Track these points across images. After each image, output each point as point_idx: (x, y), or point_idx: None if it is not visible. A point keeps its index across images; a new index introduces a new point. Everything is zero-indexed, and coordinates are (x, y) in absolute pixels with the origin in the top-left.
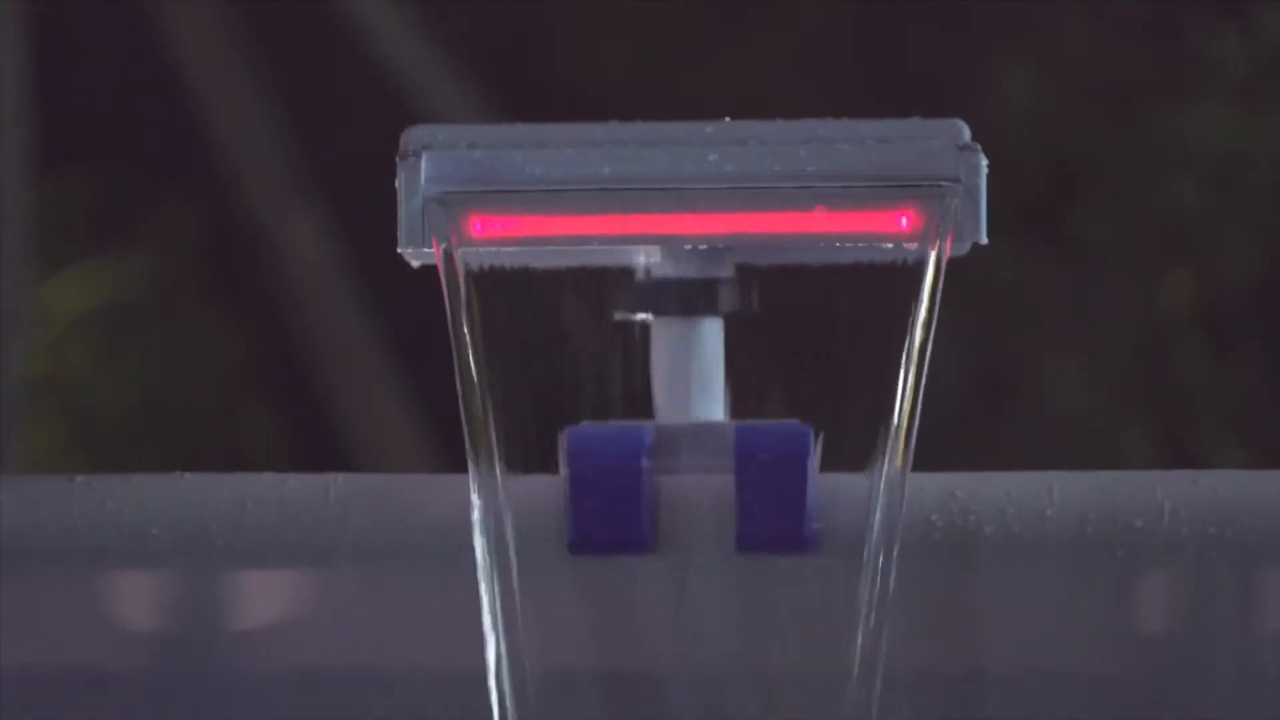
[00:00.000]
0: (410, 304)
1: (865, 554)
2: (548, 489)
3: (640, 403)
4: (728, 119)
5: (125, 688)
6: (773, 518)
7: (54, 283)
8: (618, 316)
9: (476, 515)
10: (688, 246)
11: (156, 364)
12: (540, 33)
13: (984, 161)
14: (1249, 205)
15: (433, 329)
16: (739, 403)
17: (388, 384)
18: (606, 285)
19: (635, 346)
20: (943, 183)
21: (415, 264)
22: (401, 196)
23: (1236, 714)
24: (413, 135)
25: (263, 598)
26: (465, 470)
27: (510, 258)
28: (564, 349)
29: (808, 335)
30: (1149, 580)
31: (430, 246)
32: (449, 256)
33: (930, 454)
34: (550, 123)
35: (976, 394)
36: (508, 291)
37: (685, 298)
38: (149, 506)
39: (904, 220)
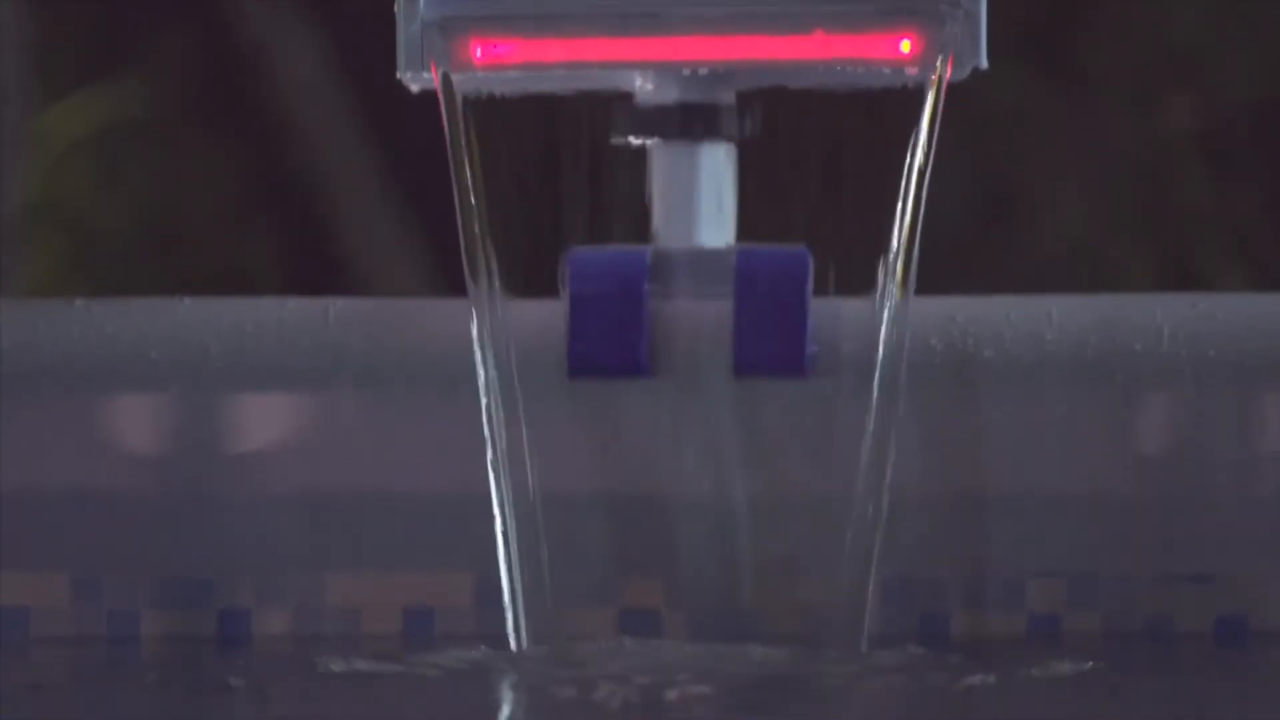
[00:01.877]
0: (410, 129)
1: (865, 378)
2: (547, 313)
3: (640, 228)
4: None
5: (125, 510)
6: (771, 342)
7: (54, 109)
8: (617, 141)
9: (476, 339)
10: (686, 71)
11: (156, 188)
12: None
13: None
14: (1251, 28)
15: (434, 154)
16: (739, 227)
17: (388, 208)
18: (606, 110)
19: (635, 172)
20: (942, 6)
21: (415, 89)
22: (401, 21)
23: (1234, 534)
24: None
25: (262, 422)
26: (465, 294)
27: (509, 84)
28: (563, 174)
29: (808, 160)
30: (1148, 402)
31: (429, 71)
32: (448, 81)
33: (930, 278)
34: None
35: (976, 218)
36: (507, 116)
37: (685, 122)
38: (149, 330)
39: (904, 44)
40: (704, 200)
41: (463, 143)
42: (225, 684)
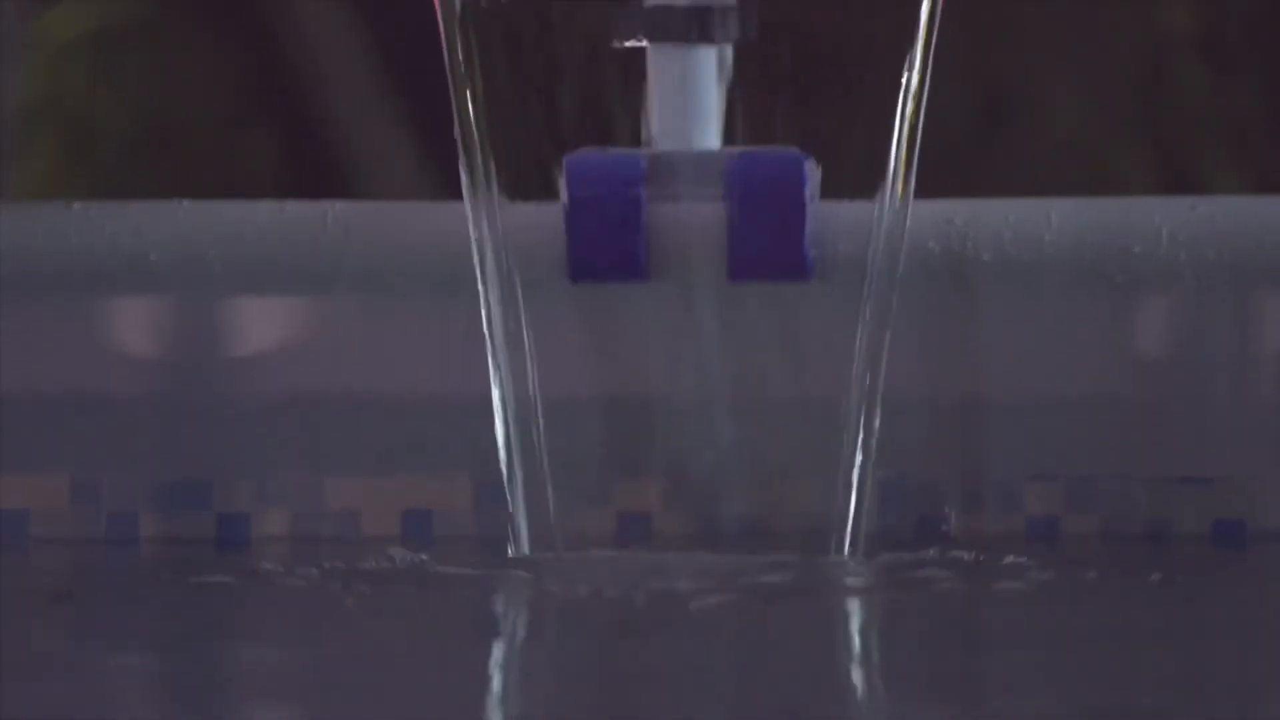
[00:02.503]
0: (409, 31)
1: (863, 281)
2: (546, 216)
3: (638, 131)
4: None
5: (124, 413)
6: (767, 245)
7: (53, 10)
8: (615, 43)
9: (475, 242)
10: None
11: (155, 89)
12: None
13: None
14: None
15: (432, 57)
16: (736, 131)
17: (387, 111)
18: (604, 13)
19: (633, 75)
20: None
21: None
22: None
23: (1232, 437)
24: None
25: (261, 324)
26: (463, 198)
27: None
28: (561, 77)
29: (807, 63)
30: (1146, 305)
31: None
32: None
33: (929, 180)
34: None
35: (974, 120)
36: (504, 19)
37: (682, 24)
38: (147, 233)
39: None
40: (701, 103)
41: (460, 45)
42: (222, 583)
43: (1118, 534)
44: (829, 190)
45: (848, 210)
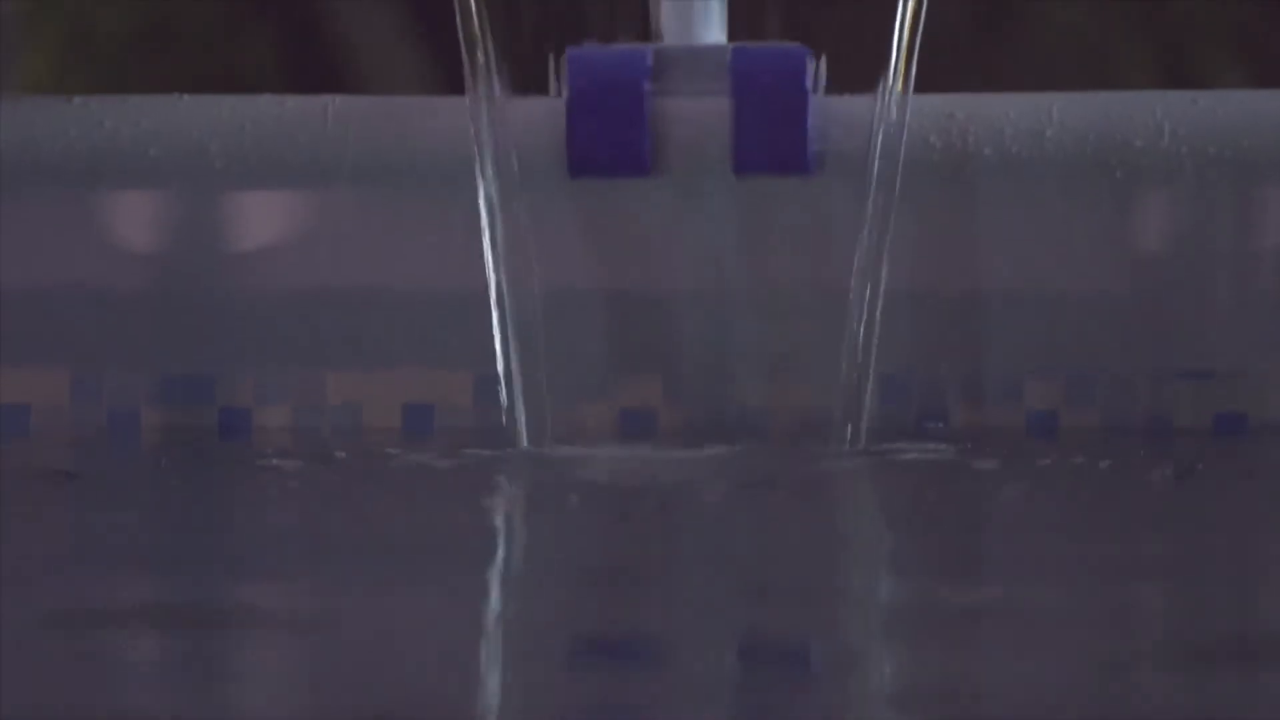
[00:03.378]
0: None
1: (865, 176)
2: (547, 111)
3: (641, 26)
4: None
5: (124, 308)
6: (770, 140)
7: None
8: None
9: (475, 137)
10: None
11: None
12: None
13: None
14: None
15: None
16: (739, 26)
17: (387, 6)
18: None
19: None
20: None
21: None
22: None
23: (1233, 330)
24: None
25: (262, 219)
26: (464, 93)
27: None
28: None
29: None
30: (1147, 199)
31: None
32: None
33: (930, 75)
34: None
35: (976, 15)
36: None
37: None
38: (147, 128)
39: None
40: None
41: None
42: (224, 476)
43: (1118, 428)
44: (831, 85)
45: (850, 105)
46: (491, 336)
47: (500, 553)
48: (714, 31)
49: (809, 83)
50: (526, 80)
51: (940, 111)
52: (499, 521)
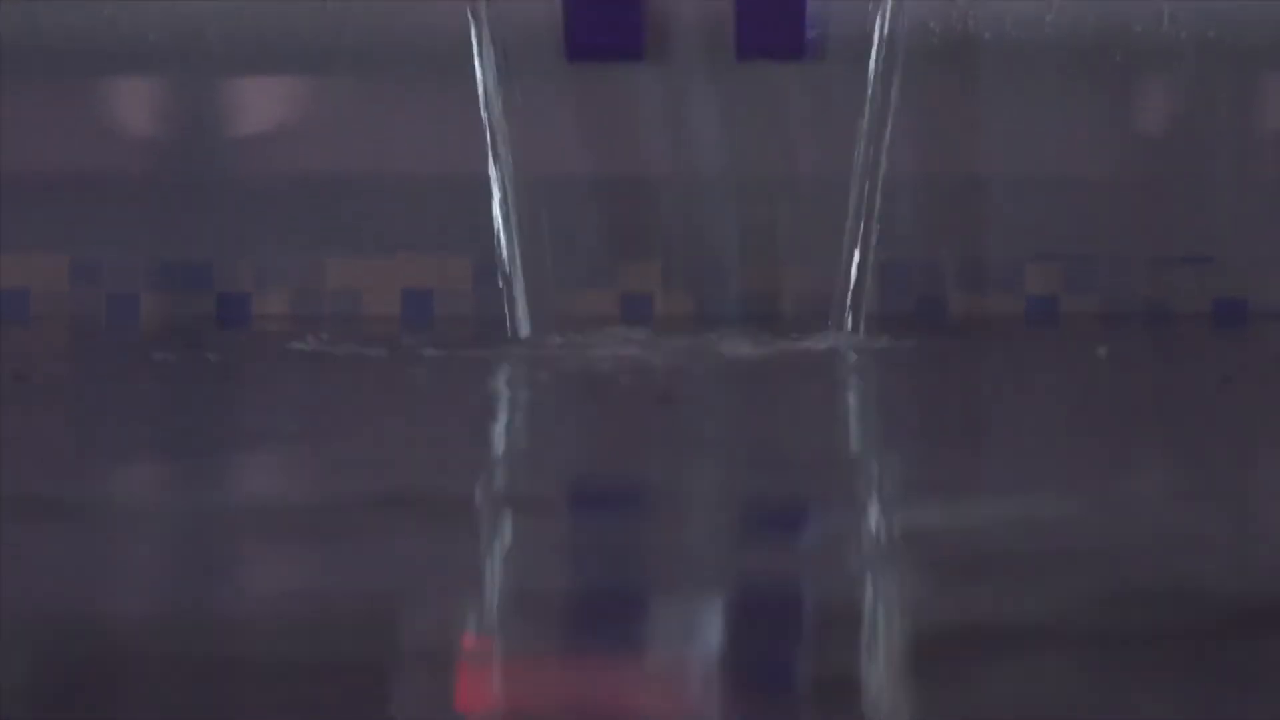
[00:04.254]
0: None
1: (863, 62)
2: None
3: None
4: None
5: (124, 193)
6: (771, 24)
7: None
8: None
9: (473, 20)
10: None
11: None
12: None
13: None
14: None
15: None
16: None
17: None
18: None
19: None
20: None
21: None
22: None
23: (1232, 216)
24: None
25: (260, 104)
26: None
27: None
28: None
29: None
30: (1147, 85)
31: None
32: None
33: None
34: None
35: None
36: None
37: None
38: (146, 12)
39: None
40: None
41: None
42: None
43: (1117, 314)
44: None
45: None
46: (491, 223)
47: (489, 423)
48: None
49: None
50: None
51: None
52: (491, 401)
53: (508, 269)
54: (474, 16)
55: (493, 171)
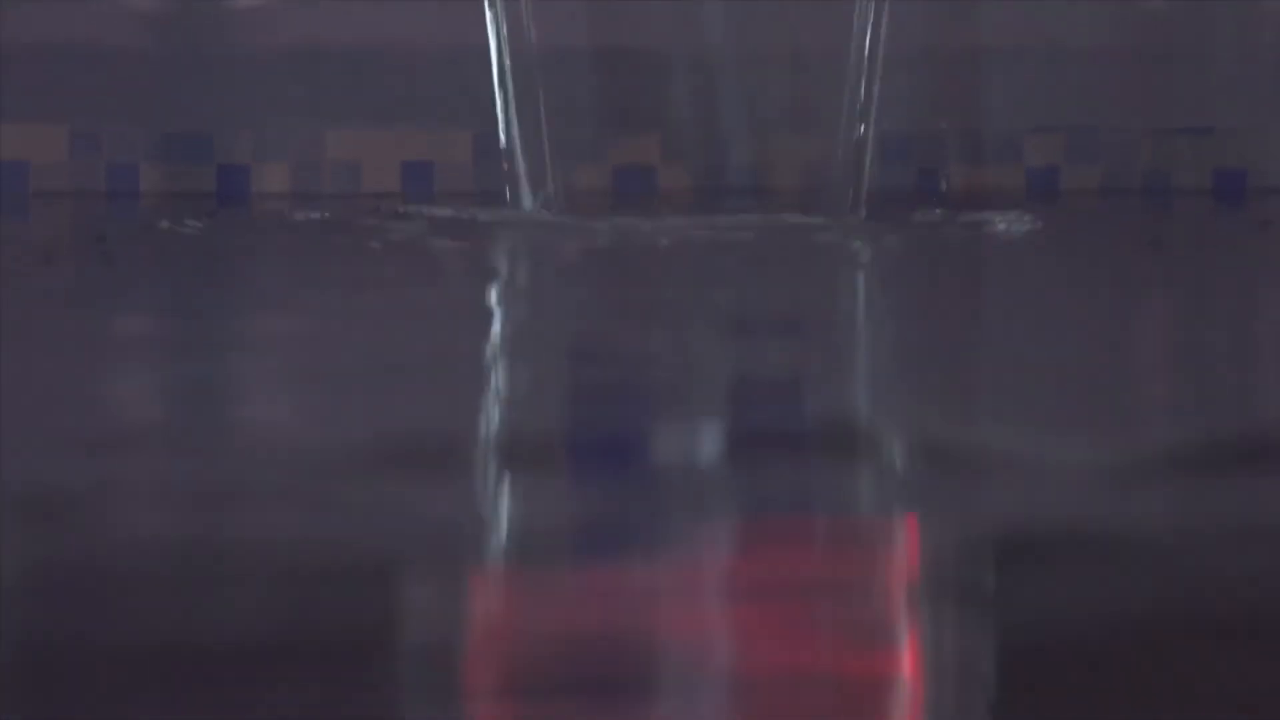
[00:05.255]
0: None
1: None
2: None
3: None
4: None
5: (123, 64)
6: None
7: None
8: None
9: None
10: None
11: None
12: None
13: None
14: None
15: None
16: None
17: None
18: None
19: None
20: None
21: None
22: None
23: (1234, 87)
24: None
25: None
26: None
27: None
28: None
29: None
30: None
31: None
32: None
33: None
34: None
35: None
36: None
37: None
38: None
39: None
40: None
41: None
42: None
43: (1118, 188)
44: None
45: None
46: (490, 94)
47: (488, 293)
48: None
49: None
50: None
51: None
52: (491, 272)
53: (505, 141)
54: None
55: (492, 43)
